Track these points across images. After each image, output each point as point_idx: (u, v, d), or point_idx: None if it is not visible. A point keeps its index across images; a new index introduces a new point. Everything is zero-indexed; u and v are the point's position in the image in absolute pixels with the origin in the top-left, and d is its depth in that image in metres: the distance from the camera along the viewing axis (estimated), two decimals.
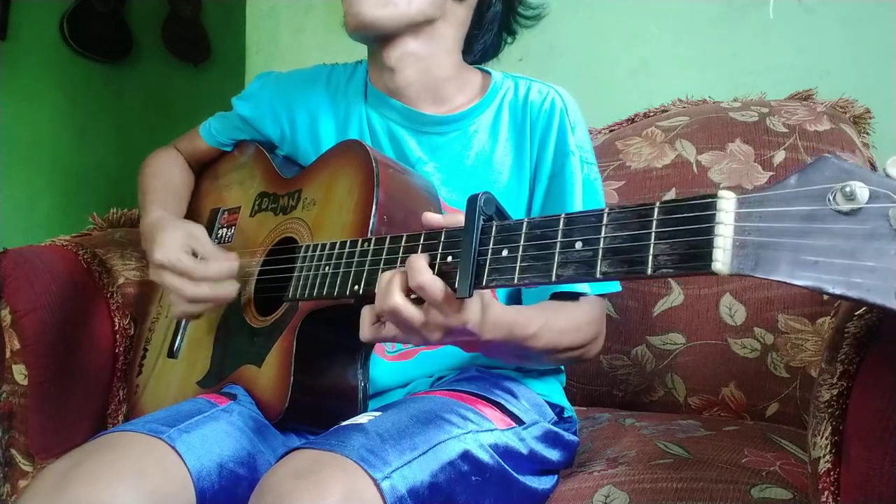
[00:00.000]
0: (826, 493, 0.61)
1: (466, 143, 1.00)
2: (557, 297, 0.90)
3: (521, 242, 0.62)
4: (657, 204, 0.54)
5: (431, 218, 0.70)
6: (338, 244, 0.81)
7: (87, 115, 2.05)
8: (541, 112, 0.98)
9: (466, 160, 1.00)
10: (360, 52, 1.06)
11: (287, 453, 0.71)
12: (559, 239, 0.60)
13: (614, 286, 0.96)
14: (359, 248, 0.78)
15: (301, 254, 0.88)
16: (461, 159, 1.00)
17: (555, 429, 0.91)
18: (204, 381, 0.99)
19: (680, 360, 1.22)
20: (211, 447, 0.79)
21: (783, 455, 0.89)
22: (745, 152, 1.25)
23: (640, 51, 1.68)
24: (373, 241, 0.77)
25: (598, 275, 0.56)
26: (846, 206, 0.45)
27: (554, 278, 0.59)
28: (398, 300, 0.66)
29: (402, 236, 0.73)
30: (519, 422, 0.87)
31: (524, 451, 0.84)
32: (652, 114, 1.42)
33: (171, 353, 1.09)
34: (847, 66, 1.43)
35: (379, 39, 0.97)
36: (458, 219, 0.68)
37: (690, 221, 0.51)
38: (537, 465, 0.87)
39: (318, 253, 0.84)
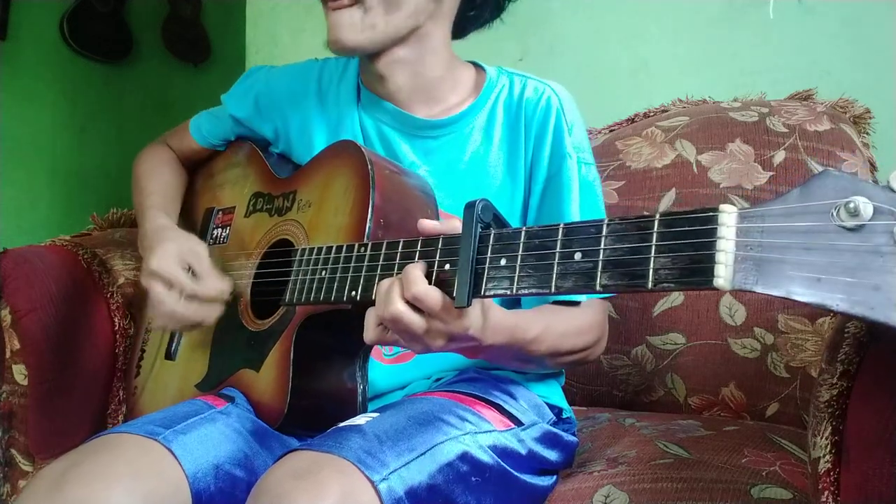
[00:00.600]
0: (826, 493, 0.61)
1: (461, 146, 0.98)
2: (558, 300, 0.89)
3: (520, 252, 0.62)
4: (657, 216, 0.54)
5: (427, 225, 0.70)
6: (334, 248, 0.81)
7: (87, 115, 2.05)
8: (536, 111, 0.96)
9: (461, 164, 0.98)
10: None
11: (285, 454, 0.71)
12: (558, 249, 0.59)
13: None
14: (355, 253, 0.78)
15: (297, 257, 0.87)
16: (455, 162, 0.98)
17: (554, 430, 0.91)
18: (202, 384, 0.99)
19: (680, 360, 1.22)
20: (207, 449, 0.78)
21: (783, 455, 0.89)
22: (745, 152, 1.25)
23: (640, 51, 1.68)
24: (369, 246, 0.76)
25: (597, 287, 0.56)
26: (850, 223, 0.45)
27: (553, 289, 0.59)
28: (399, 307, 0.65)
29: (399, 242, 0.72)
30: (518, 423, 0.86)
31: (523, 451, 0.84)
32: (652, 114, 1.42)
33: (169, 355, 1.09)
34: (847, 66, 1.43)
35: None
36: (455, 225, 0.68)
37: (691, 235, 0.51)
38: (536, 465, 0.87)
39: (314, 257, 0.84)
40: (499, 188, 0.97)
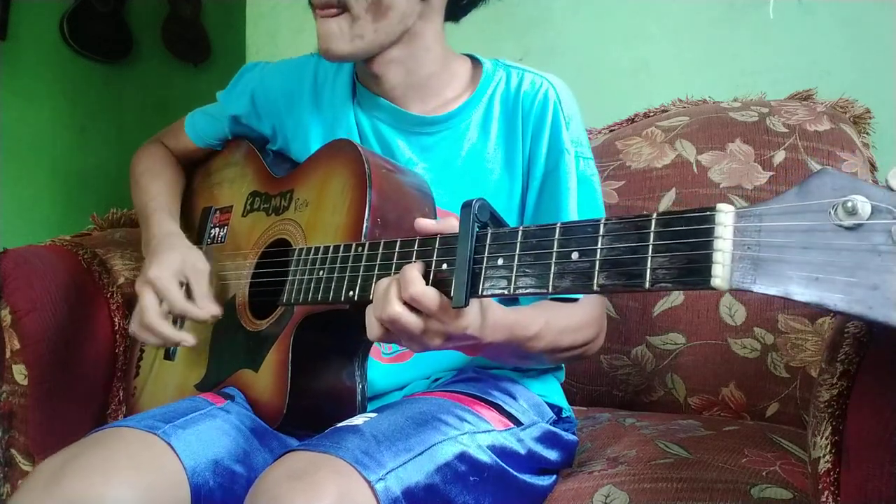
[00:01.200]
0: (826, 493, 0.61)
1: (457, 143, 0.98)
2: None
3: (517, 252, 0.62)
4: (654, 216, 0.54)
5: (424, 224, 0.70)
6: (331, 248, 0.81)
7: (87, 115, 2.05)
8: (534, 105, 0.95)
9: (457, 160, 0.98)
10: None
11: (283, 455, 0.71)
12: (555, 249, 0.59)
13: None
14: (353, 253, 0.78)
15: (295, 257, 0.87)
16: (452, 159, 0.98)
17: (553, 429, 0.91)
18: (201, 384, 0.99)
19: (680, 360, 1.22)
20: (207, 444, 0.79)
21: (783, 455, 0.89)
22: (745, 152, 1.25)
23: (640, 51, 1.67)
24: (366, 246, 0.76)
25: (594, 287, 0.56)
26: (848, 222, 0.45)
27: (550, 289, 0.59)
28: (397, 308, 0.65)
29: (397, 242, 0.72)
30: (517, 423, 0.86)
31: (522, 451, 0.84)
32: (652, 114, 1.42)
33: (168, 356, 1.09)
34: (847, 66, 1.43)
35: None
36: (453, 223, 0.68)
37: (688, 235, 0.51)
38: (536, 465, 0.87)
39: (311, 257, 0.84)
40: (496, 184, 0.97)
